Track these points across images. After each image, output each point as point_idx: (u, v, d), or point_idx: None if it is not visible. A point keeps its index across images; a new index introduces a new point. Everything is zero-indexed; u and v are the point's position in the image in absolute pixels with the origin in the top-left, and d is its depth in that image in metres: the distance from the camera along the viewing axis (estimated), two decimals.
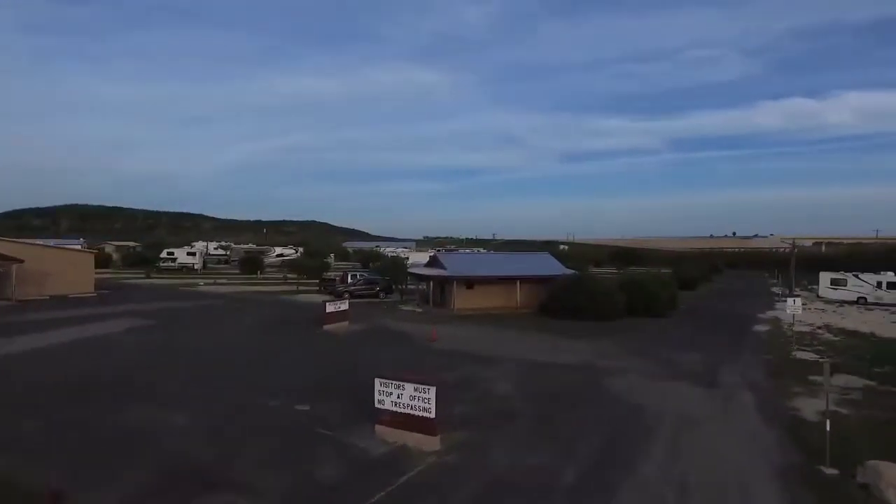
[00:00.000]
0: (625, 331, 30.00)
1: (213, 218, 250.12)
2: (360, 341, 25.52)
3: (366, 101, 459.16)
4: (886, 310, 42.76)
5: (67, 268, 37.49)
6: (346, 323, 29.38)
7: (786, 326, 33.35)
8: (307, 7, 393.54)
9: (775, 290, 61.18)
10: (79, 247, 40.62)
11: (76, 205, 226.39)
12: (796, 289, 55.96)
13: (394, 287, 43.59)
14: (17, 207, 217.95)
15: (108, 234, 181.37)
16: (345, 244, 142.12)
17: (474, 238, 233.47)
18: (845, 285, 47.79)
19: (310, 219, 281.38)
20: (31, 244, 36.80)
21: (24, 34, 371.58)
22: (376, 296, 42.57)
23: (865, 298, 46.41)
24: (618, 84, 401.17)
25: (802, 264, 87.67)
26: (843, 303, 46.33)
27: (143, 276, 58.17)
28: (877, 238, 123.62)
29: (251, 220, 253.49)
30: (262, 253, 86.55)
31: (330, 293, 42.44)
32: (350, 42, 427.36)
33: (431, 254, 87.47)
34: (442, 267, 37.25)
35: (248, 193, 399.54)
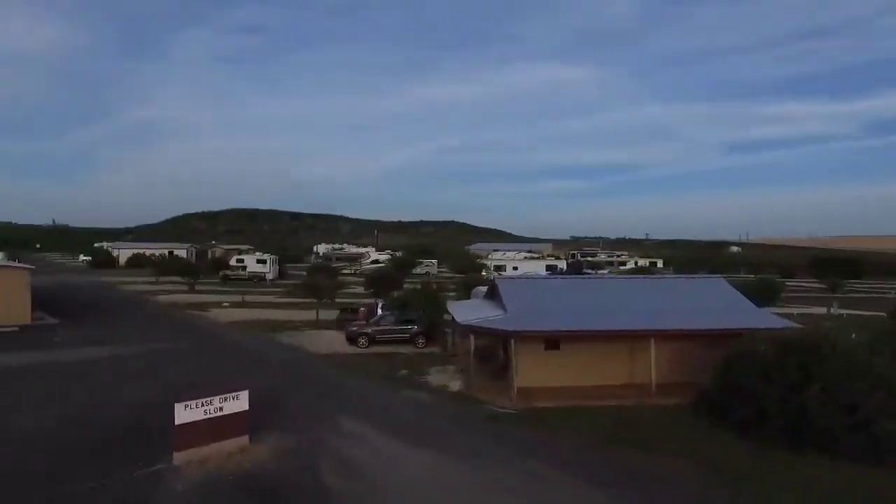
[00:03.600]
0: None
1: (352, 219, 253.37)
2: None
3: (506, 102, 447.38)
4: None
5: None
6: (241, 440, 13.52)
7: None
8: (440, 19, 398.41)
9: None
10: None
11: (234, 209, 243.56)
12: None
13: (436, 330, 26.74)
14: (186, 212, 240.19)
15: (254, 235, 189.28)
16: (472, 247, 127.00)
17: (625, 238, 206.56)
18: None
19: (448, 219, 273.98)
20: None
21: (213, 63, 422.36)
22: (412, 342, 26.14)
23: None
24: (791, 64, 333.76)
25: None
26: None
27: (185, 288, 48.68)
28: None
29: (392, 220, 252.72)
30: (354, 259, 75.19)
31: (347, 337, 26.80)
32: (485, 46, 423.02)
33: (554, 260, 68.57)
34: (499, 304, 19.69)
35: (391, 196, 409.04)
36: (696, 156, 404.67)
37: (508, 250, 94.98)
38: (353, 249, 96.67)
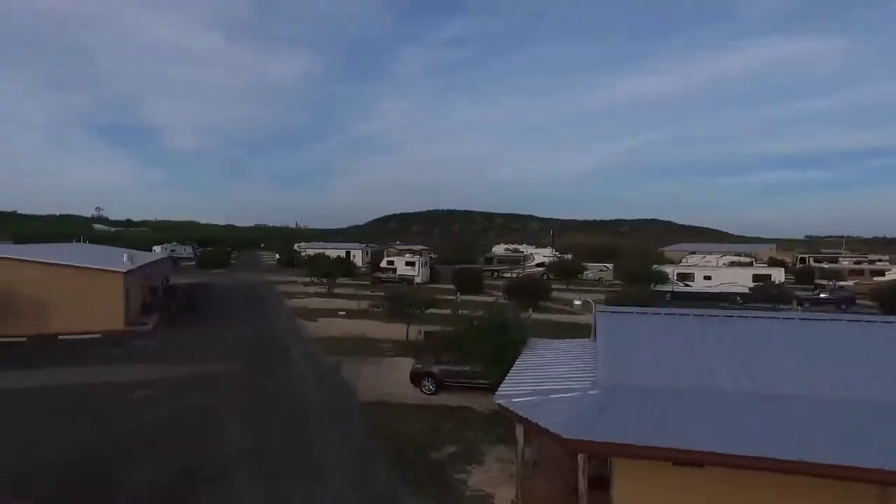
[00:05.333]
0: None
1: (542, 218, 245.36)
2: None
3: (721, 88, 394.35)
4: None
5: (79, 295, 26.28)
6: None
7: None
8: (643, 9, 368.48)
9: None
10: (115, 266, 28.88)
11: (430, 210, 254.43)
12: None
13: None
14: (385, 214, 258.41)
15: (445, 235, 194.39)
16: (670, 248, 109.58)
17: (883, 238, 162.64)
18: None
19: (649, 217, 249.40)
20: (14, 260, 26.26)
21: (422, 78, 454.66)
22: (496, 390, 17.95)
23: None
24: None
25: None
26: None
27: (324, 290, 46.79)
28: None
29: (585, 219, 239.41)
30: (516, 261, 67.61)
31: (410, 376, 19.59)
32: (693, 29, 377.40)
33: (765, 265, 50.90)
34: (596, 360, 10.74)
35: (588, 194, 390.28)
36: None
37: (712, 252, 77.89)
38: (533, 250, 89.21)
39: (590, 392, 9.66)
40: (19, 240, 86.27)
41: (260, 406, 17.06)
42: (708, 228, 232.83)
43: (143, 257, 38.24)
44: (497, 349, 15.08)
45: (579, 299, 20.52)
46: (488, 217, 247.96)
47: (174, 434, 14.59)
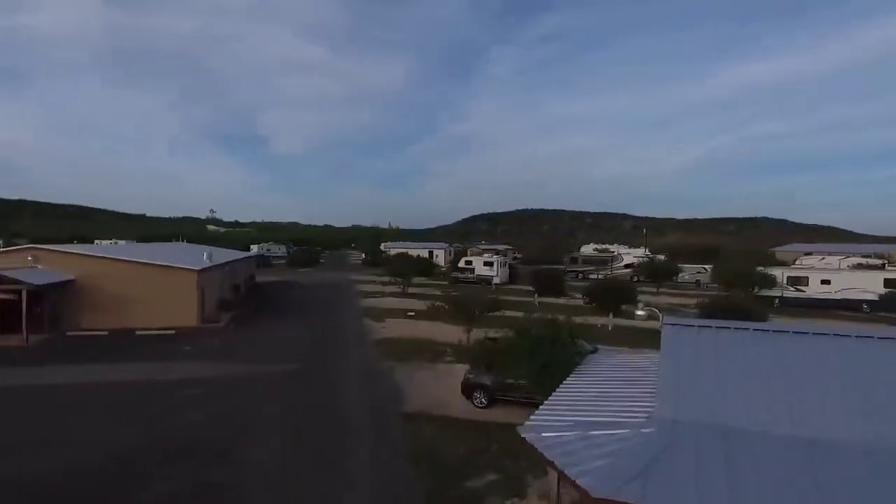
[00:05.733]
0: None
1: (636, 217, 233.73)
2: None
3: (846, 72, 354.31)
4: None
5: (157, 291, 27.26)
6: None
7: None
8: None
9: None
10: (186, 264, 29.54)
11: (519, 209, 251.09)
12: None
13: None
14: (474, 213, 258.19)
15: (535, 234, 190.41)
16: (783, 248, 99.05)
17: None
18: None
19: (759, 215, 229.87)
20: (101, 258, 27.93)
21: (514, 77, 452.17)
22: None
23: None
24: None
25: None
26: None
27: (399, 290, 46.32)
28: None
29: (685, 218, 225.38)
30: (603, 262, 63.56)
31: (462, 387, 17.84)
32: (816, 7, 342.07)
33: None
34: (657, 389, 8.53)
35: (688, 191, 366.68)
36: None
37: (832, 253, 68.91)
38: (624, 250, 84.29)
39: (643, 430, 7.52)
40: (141, 240, 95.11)
41: (298, 412, 16.20)
42: (829, 227, 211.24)
43: (225, 256, 39.70)
44: (544, 361, 13.07)
45: (643, 308, 17.57)
46: (578, 216, 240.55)
47: (198, 439, 14.00)
